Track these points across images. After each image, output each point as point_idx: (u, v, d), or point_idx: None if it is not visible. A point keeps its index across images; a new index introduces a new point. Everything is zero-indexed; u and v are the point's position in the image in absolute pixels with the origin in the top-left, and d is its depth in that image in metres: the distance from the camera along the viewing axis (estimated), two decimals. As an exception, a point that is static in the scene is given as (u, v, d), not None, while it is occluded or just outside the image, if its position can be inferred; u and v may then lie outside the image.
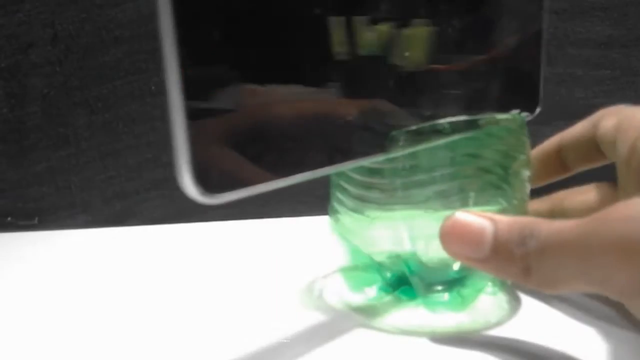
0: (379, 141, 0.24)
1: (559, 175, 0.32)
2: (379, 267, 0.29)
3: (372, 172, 0.27)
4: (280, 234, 0.44)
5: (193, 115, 0.17)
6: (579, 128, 0.30)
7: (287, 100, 0.21)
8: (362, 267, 0.30)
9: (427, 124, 0.25)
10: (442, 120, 0.26)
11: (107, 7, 0.49)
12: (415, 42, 0.24)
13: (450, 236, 0.23)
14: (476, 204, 0.26)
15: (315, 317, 0.29)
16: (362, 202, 0.28)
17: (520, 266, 0.21)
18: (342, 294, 0.31)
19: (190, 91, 0.17)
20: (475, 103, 0.27)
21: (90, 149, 0.51)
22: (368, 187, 0.27)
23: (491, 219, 0.22)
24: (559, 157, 0.31)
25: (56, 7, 0.49)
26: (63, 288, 0.34)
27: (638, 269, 0.18)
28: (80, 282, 0.35)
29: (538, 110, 0.30)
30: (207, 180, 0.18)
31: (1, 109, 0.50)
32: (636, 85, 0.55)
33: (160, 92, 0.51)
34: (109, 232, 0.46)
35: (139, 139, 0.51)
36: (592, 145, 0.29)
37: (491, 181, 0.27)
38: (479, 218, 0.22)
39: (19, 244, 0.44)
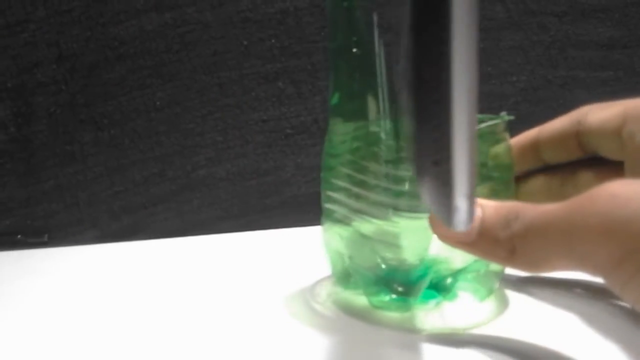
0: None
1: (533, 166, 0.33)
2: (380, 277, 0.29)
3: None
4: (286, 244, 0.45)
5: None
6: (559, 123, 0.31)
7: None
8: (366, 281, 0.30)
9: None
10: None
11: (110, 25, 0.50)
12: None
13: (438, 221, 0.23)
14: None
15: (325, 325, 0.29)
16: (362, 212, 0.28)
17: (506, 248, 0.22)
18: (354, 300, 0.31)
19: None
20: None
21: (97, 165, 0.52)
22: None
23: (479, 204, 0.23)
24: (536, 149, 0.32)
25: (61, 27, 0.50)
26: (74, 304, 0.34)
27: (617, 244, 0.19)
28: (91, 297, 0.35)
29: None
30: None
31: (9, 128, 0.51)
32: (639, 86, 0.55)
33: (165, 106, 0.51)
34: (118, 247, 0.46)
35: (144, 153, 0.52)
36: (572, 141, 0.30)
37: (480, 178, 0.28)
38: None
39: (29, 261, 0.44)
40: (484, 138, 0.29)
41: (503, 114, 0.30)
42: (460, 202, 0.19)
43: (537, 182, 0.33)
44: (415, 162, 0.21)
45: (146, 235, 0.51)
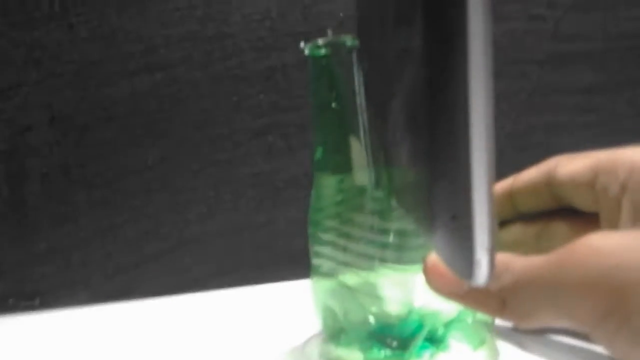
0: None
1: (509, 216, 0.33)
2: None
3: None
4: (279, 299, 0.44)
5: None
6: (530, 175, 0.31)
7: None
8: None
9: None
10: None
11: (102, 86, 0.51)
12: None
13: (432, 273, 0.24)
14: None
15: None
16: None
17: (497, 300, 0.22)
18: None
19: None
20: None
21: (89, 225, 0.52)
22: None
23: None
24: (511, 199, 0.32)
25: (53, 90, 0.51)
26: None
27: (600, 299, 0.19)
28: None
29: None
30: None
31: (1, 191, 0.51)
32: (623, 128, 0.56)
33: (157, 164, 0.52)
34: (111, 308, 0.46)
35: (137, 212, 0.52)
36: (544, 192, 0.30)
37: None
38: None
39: (21, 326, 0.44)
40: None
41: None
42: (482, 255, 0.19)
43: (514, 232, 0.33)
44: (428, 216, 0.21)
45: (139, 295, 0.51)
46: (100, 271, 0.52)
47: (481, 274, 0.19)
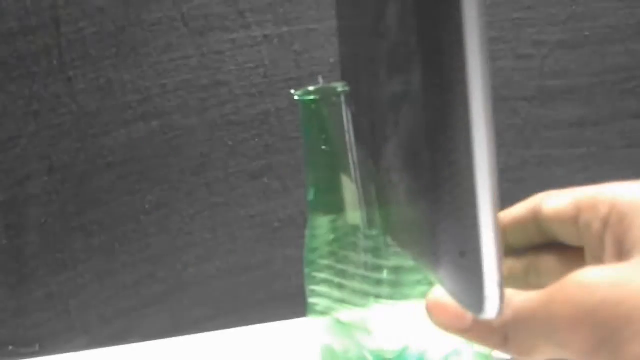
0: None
1: None
2: None
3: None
4: (278, 339, 0.44)
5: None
6: (517, 211, 0.31)
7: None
8: None
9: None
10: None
11: (100, 135, 0.52)
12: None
13: (436, 309, 0.24)
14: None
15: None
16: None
17: (500, 335, 0.22)
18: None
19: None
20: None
21: (87, 272, 0.52)
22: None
23: None
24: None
25: (51, 140, 0.52)
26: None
27: (589, 333, 0.20)
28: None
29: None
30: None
31: (0, 240, 0.52)
32: (614, 160, 0.57)
33: (154, 209, 0.53)
34: (110, 352, 0.46)
35: (134, 256, 0.53)
36: (532, 227, 0.30)
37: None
38: None
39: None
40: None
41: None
42: (492, 290, 0.19)
43: (504, 267, 0.33)
44: (430, 252, 0.22)
45: (138, 338, 0.51)
46: (99, 316, 0.52)
47: (492, 308, 0.19)
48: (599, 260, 0.27)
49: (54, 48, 0.51)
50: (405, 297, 0.27)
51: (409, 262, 0.28)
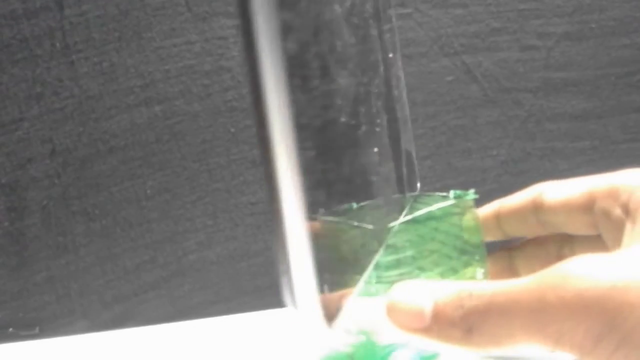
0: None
1: (498, 237, 0.33)
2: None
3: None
4: (278, 326, 0.45)
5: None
6: (516, 201, 0.31)
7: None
8: None
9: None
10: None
11: (102, 120, 0.52)
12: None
13: (393, 311, 0.24)
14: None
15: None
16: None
17: (461, 328, 0.22)
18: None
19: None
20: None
21: (88, 255, 0.53)
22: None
23: (428, 289, 0.23)
24: (497, 222, 0.32)
25: (54, 124, 0.52)
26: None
27: (595, 321, 0.19)
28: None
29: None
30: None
31: (2, 223, 0.52)
32: (617, 153, 0.57)
33: (155, 194, 0.53)
34: (109, 336, 0.47)
35: (135, 241, 0.53)
36: (531, 217, 0.30)
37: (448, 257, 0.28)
38: (419, 288, 0.23)
39: (21, 354, 0.44)
40: (456, 213, 0.30)
41: (471, 191, 0.31)
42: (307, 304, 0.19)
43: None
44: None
45: (137, 323, 0.51)
46: (99, 300, 0.52)
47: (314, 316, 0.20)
48: (617, 246, 0.27)
49: (57, 31, 0.51)
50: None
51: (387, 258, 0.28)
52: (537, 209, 0.30)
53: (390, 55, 0.32)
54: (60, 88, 0.52)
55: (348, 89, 0.25)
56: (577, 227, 0.29)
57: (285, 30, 0.18)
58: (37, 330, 0.51)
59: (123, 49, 0.52)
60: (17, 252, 0.52)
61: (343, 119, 0.25)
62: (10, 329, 0.51)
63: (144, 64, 0.52)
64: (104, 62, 0.52)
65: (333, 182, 0.24)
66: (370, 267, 0.26)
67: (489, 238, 0.33)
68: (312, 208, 0.20)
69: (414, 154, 0.34)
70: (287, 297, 0.20)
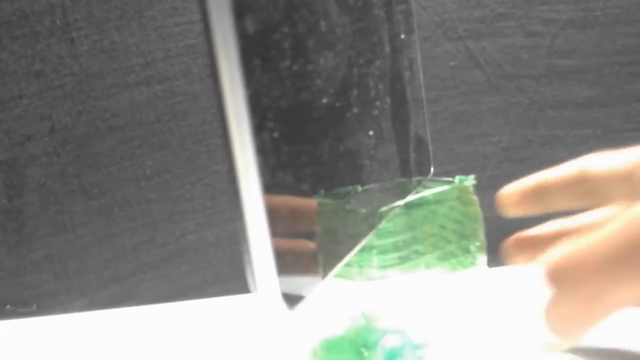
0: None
1: (538, 212, 0.33)
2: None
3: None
4: (279, 306, 0.45)
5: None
6: (561, 171, 0.31)
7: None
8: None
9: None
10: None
11: (102, 98, 0.52)
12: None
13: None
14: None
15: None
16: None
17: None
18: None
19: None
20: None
21: (87, 234, 0.53)
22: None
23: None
24: (538, 196, 0.32)
25: (53, 101, 0.52)
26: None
27: None
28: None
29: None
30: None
31: (0, 200, 0.52)
32: (619, 143, 0.56)
33: (154, 174, 0.53)
34: (107, 315, 0.47)
35: (134, 221, 0.53)
36: (576, 188, 0.31)
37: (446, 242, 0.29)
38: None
39: (18, 332, 0.44)
40: (456, 198, 0.30)
41: (471, 177, 0.31)
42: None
43: None
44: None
45: (135, 302, 0.51)
46: (97, 279, 0.53)
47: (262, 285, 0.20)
48: None
49: (57, 7, 0.50)
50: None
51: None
52: (583, 178, 0.30)
53: (403, 36, 0.31)
54: (60, 65, 0.51)
55: (333, 70, 0.25)
56: (618, 196, 0.29)
57: (242, 10, 0.18)
58: (34, 307, 0.51)
59: (124, 27, 0.51)
60: (15, 230, 0.52)
61: (325, 101, 0.24)
62: (8, 306, 0.51)
63: (145, 43, 0.52)
64: (105, 40, 0.51)
65: (305, 164, 0.23)
66: (354, 250, 0.26)
67: (528, 213, 0.33)
68: (278, 190, 0.20)
69: (427, 138, 0.34)
70: (249, 281, 0.20)
